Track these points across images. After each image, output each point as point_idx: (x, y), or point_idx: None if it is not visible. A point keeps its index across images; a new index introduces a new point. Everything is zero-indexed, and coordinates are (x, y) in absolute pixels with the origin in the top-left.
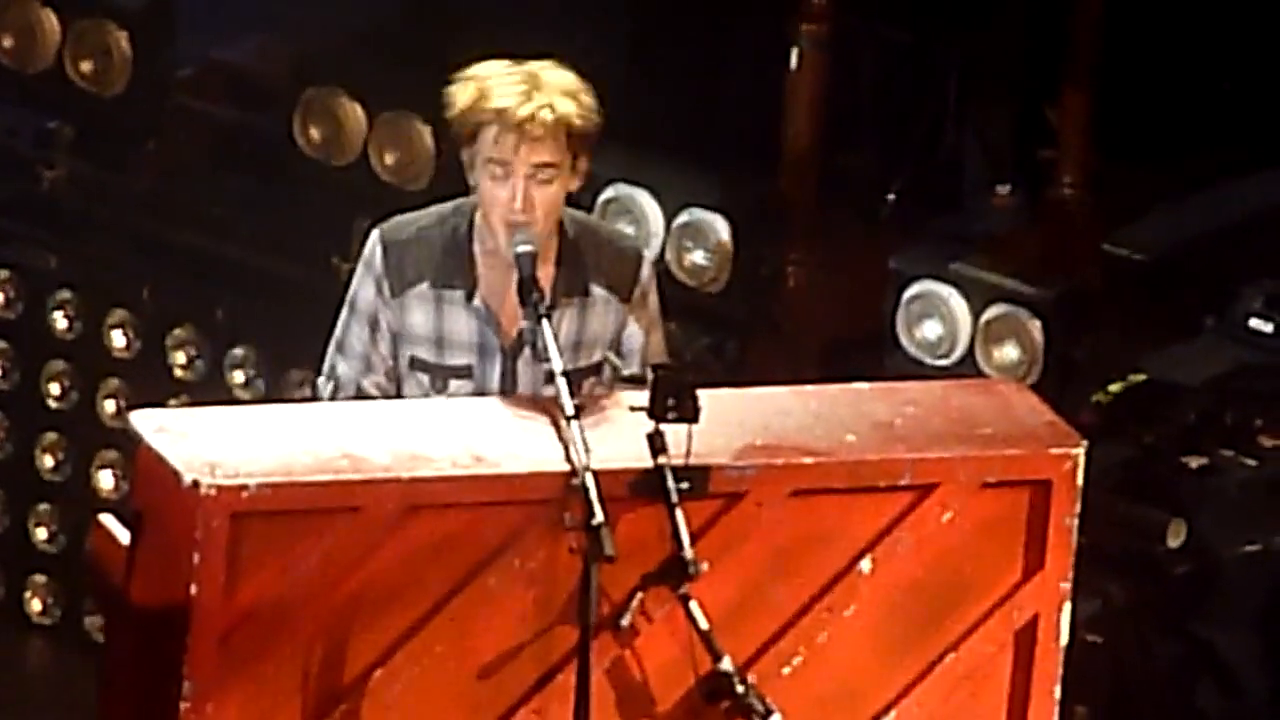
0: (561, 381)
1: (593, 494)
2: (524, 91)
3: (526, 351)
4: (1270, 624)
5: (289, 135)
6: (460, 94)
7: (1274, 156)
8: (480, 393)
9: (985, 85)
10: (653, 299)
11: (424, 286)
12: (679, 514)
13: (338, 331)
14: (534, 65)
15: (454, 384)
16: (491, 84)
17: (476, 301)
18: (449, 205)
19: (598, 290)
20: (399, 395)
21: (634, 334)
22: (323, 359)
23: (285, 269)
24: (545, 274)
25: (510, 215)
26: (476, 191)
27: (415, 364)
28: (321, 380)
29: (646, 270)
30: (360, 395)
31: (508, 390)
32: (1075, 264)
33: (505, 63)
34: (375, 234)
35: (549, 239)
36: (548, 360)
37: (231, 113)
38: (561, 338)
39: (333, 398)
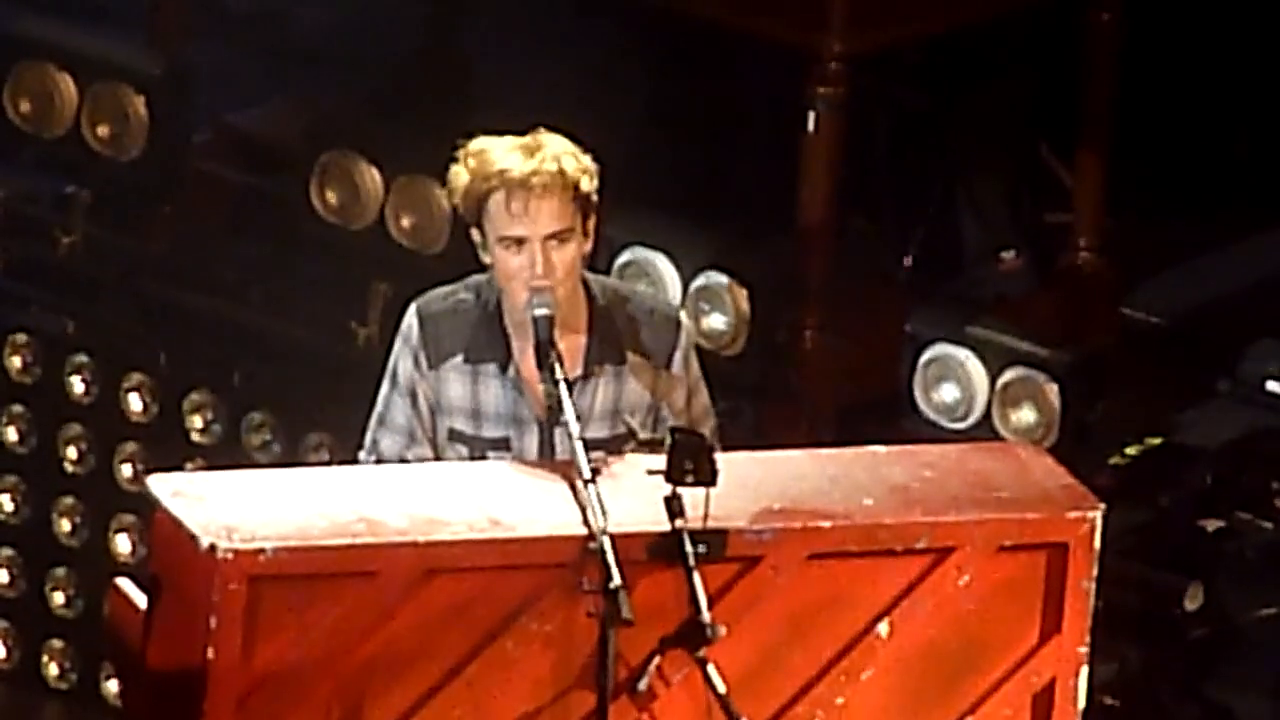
0: (579, 445)
1: (610, 557)
2: (525, 147)
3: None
4: None
5: (305, 199)
6: (460, 173)
7: None
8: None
9: (982, 150)
10: (694, 362)
11: (459, 360)
12: (697, 577)
13: (379, 406)
14: (529, 135)
15: (492, 455)
16: (490, 153)
17: (509, 374)
18: (483, 276)
19: (634, 358)
20: None
21: (676, 401)
22: (362, 434)
23: (302, 333)
24: (577, 343)
25: (531, 281)
26: (493, 270)
27: (454, 435)
28: (363, 454)
29: (684, 336)
30: None
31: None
32: (1092, 327)
33: (499, 137)
34: (412, 308)
35: (577, 306)
36: (565, 424)
37: (248, 177)
38: (598, 406)
39: None
